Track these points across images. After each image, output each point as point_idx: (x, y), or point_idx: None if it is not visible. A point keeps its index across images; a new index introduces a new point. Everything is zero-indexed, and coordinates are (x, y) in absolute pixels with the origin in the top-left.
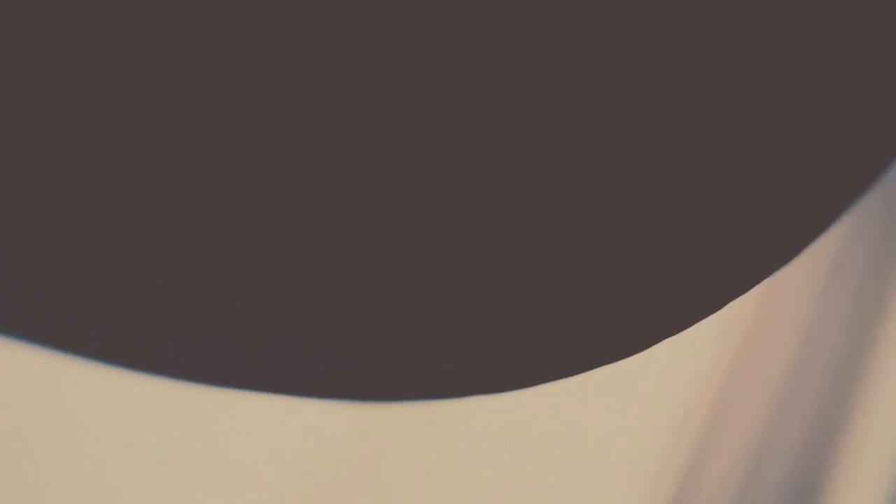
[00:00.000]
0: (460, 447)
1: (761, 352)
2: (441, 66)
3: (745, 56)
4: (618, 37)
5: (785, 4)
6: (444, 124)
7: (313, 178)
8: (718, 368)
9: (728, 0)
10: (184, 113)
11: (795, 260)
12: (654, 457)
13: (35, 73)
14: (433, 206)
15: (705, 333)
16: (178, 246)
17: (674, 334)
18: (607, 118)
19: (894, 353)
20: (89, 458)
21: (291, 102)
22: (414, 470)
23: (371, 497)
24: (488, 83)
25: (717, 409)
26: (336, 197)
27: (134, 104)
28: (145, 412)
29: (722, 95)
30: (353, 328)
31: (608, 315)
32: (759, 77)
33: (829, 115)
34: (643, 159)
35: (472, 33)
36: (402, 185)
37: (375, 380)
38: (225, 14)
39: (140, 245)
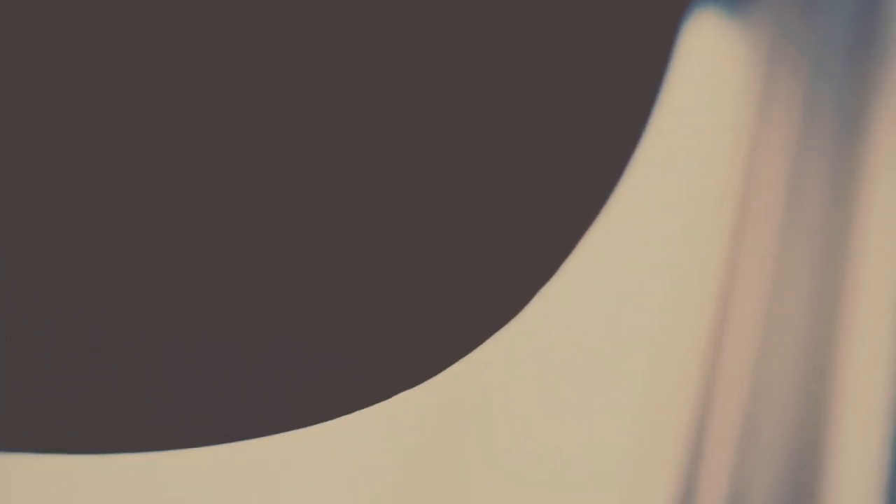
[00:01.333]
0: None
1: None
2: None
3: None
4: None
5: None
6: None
7: (312, 182)
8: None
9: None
10: (184, 115)
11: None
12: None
13: (36, 74)
14: (431, 207)
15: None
16: (177, 246)
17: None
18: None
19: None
20: None
21: (291, 106)
22: (414, 477)
23: None
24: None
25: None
26: (335, 199)
27: (134, 106)
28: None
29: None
30: (353, 328)
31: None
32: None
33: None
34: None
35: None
36: (404, 188)
37: (375, 380)
38: (222, 18)
39: (140, 245)
